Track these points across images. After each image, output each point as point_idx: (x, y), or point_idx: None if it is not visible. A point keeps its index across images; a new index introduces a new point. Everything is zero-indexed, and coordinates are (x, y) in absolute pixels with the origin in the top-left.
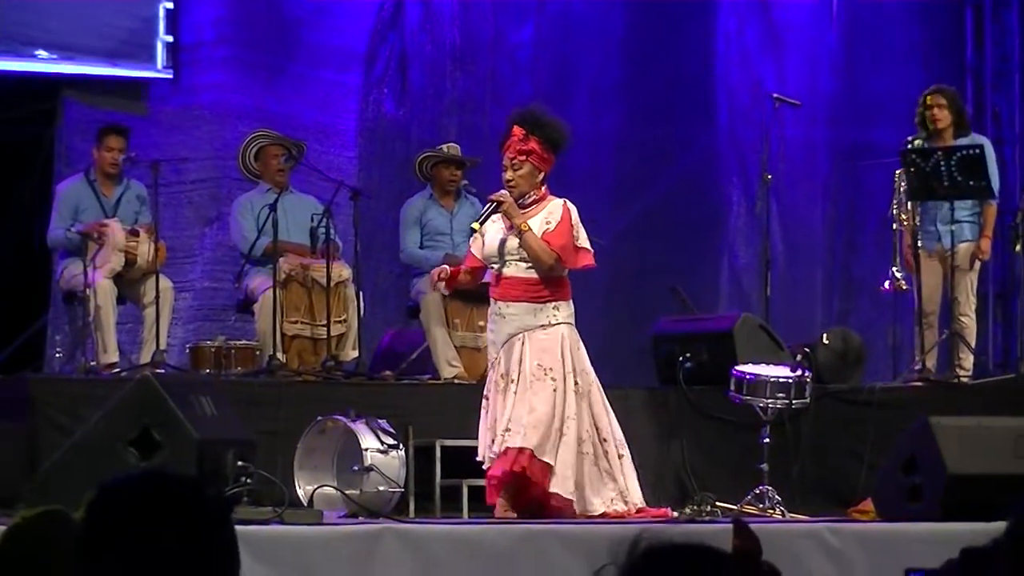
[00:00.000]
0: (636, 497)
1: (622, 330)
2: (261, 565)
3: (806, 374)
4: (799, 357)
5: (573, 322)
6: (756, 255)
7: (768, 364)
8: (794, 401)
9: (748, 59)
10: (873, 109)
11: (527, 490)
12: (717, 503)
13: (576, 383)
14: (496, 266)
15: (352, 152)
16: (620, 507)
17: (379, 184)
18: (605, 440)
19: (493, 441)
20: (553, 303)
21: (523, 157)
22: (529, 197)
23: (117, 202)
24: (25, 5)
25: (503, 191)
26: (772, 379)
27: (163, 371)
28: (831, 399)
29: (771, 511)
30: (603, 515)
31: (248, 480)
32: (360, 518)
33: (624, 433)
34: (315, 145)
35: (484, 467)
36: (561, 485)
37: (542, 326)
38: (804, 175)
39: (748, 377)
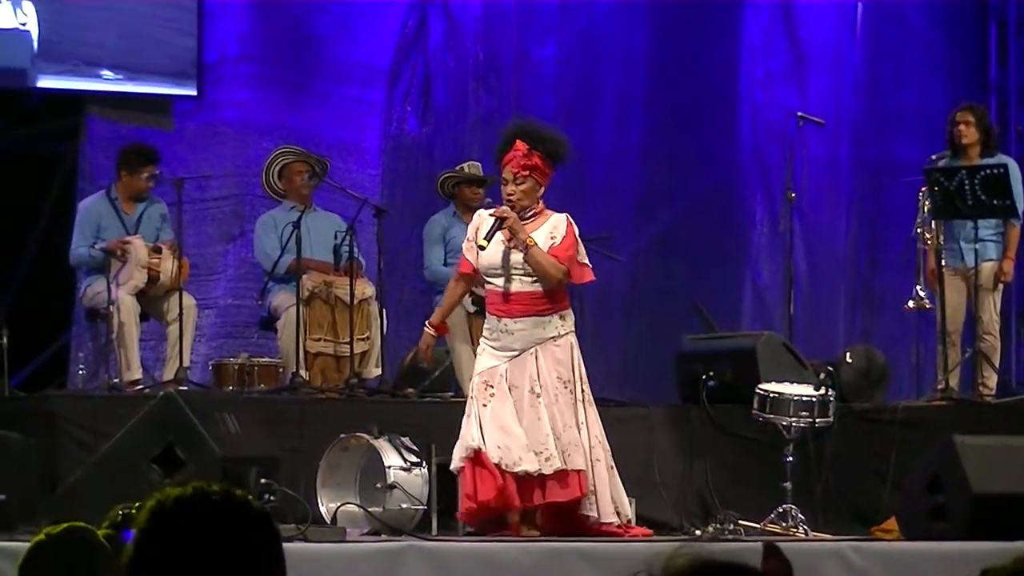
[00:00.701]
0: (627, 510)
1: (644, 347)
2: None
3: (829, 393)
4: (822, 376)
5: (575, 330)
6: (779, 273)
7: (791, 383)
8: (817, 420)
9: (772, 76)
10: (897, 127)
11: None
12: (740, 521)
13: (583, 391)
14: (497, 282)
15: (375, 169)
16: (614, 519)
17: (402, 201)
18: (606, 451)
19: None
20: (558, 314)
21: (526, 172)
22: (529, 211)
23: (139, 220)
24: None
25: (505, 207)
26: (795, 397)
27: (186, 388)
28: (854, 418)
29: (794, 530)
30: (601, 527)
31: (271, 497)
32: (383, 535)
33: (646, 450)
34: (338, 162)
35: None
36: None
37: (552, 338)
38: (828, 193)
39: (771, 395)
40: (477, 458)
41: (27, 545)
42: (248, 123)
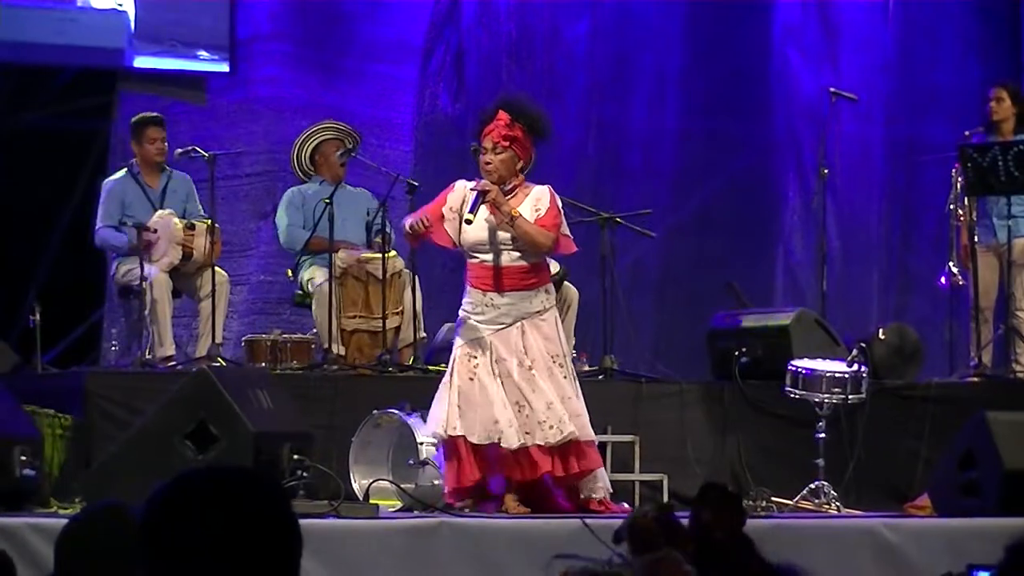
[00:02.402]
0: (608, 485)
1: (677, 324)
2: (316, 559)
3: (862, 369)
4: (855, 352)
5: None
6: (812, 250)
7: (824, 359)
8: (850, 396)
9: (805, 54)
10: (929, 105)
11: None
12: (772, 498)
13: (569, 366)
14: (484, 256)
15: (408, 146)
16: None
17: (434, 178)
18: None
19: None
20: (543, 288)
21: (506, 143)
22: (509, 183)
23: (163, 192)
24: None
25: (486, 181)
26: (828, 374)
27: (219, 364)
28: (887, 394)
29: (827, 506)
30: (586, 502)
31: (304, 474)
32: (416, 512)
33: (679, 427)
34: (370, 139)
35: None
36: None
37: (538, 312)
38: (861, 171)
39: (804, 372)
40: (452, 444)
41: (62, 522)
42: (281, 100)
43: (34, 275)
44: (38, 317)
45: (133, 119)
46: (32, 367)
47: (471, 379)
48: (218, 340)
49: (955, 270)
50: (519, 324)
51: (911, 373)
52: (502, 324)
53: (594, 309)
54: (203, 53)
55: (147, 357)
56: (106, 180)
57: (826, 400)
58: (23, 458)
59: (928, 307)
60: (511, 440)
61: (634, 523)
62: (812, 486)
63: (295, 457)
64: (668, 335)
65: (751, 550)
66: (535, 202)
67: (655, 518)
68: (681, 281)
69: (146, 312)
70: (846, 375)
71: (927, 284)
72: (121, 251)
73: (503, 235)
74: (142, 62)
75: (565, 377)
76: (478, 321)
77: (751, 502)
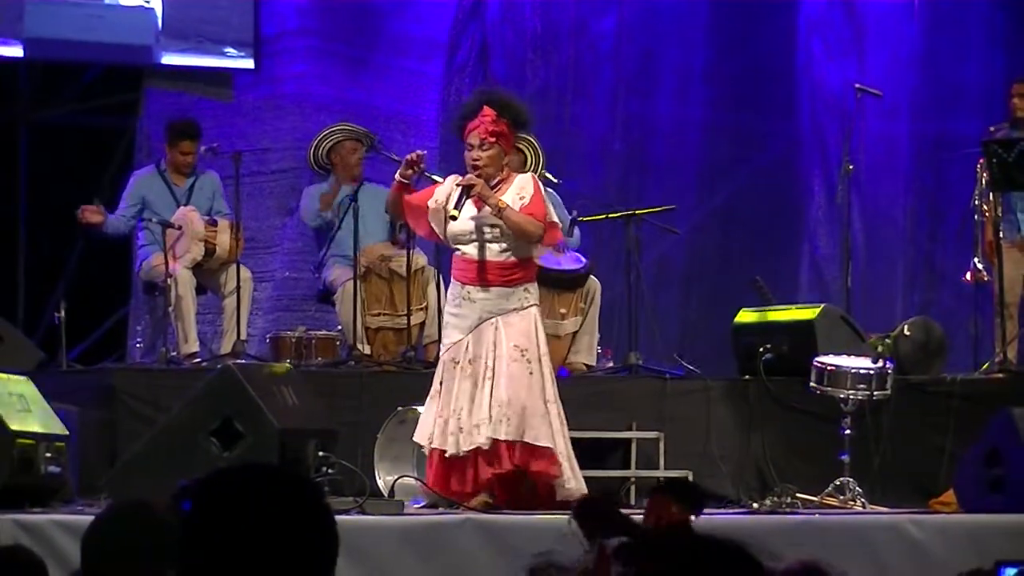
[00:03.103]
0: (583, 487)
1: (701, 320)
2: (342, 555)
3: (887, 365)
4: (880, 348)
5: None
6: (837, 246)
7: (849, 355)
8: (875, 392)
9: (830, 49)
10: (955, 100)
11: (519, 479)
12: (798, 495)
13: (544, 365)
14: (468, 249)
15: (433, 142)
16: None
17: (460, 173)
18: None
19: (450, 427)
20: (524, 285)
21: (493, 139)
22: (495, 178)
23: (190, 191)
24: None
25: (471, 175)
26: (853, 370)
27: (244, 361)
28: (912, 390)
29: (852, 503)
30: (563, 501)
31: (329, 470)
32: (441, 508)
33: (704, 424)
34: (395, 135)
35: (425, 450)
36: (574, 480)
37: (515, 309)
38: (886, 166)
39: (829, 368)
40: (432, 454)
41: (88, 519)
42: (307, 96)
43: (60, 272)
44: (63, 314)
45: (170, 123)
46: (57, 364)
47: (451, 386)
48: (243, 337)
49: (980, 265)
50: (493, 321)
51: (936, 368)
52: (475, 321)
53: (619, 305)
54: (229, 50)
55: (172, 354)
56: (135, 172)
57: (851, 396)
58: (48, 455)
59: (953, 302)
60: (479, 440)
61: (577, 518)
62: (837, 482)
63: (320, 454)
64: (692, 331)
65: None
66: (519, 190)
67: (584, 511)
68: (706, 277)
69: (171, 308)
70: (871, 371)
71: (952, 279)
72: (116, 235)
73: (486, 228)
74: (169, 59)
75: (531, 374)
76: (456, 324)
77: (776, 498)
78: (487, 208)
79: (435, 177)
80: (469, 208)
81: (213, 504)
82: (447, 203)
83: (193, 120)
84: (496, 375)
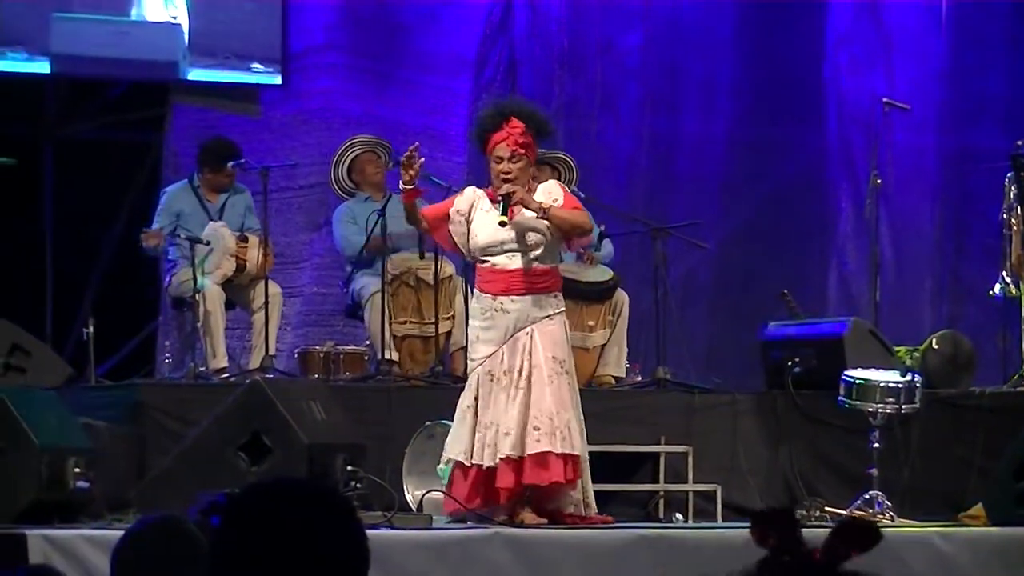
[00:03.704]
0: (592, 498)
1: (729, 334)
2: (371, 569)
3: (916, 379)
4: (908, 361)
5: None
6: (865, 260)
7: (878, 369)
8: (904, 406)
9: (857, 63)
10: (981, 114)
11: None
12: (826, 508)
13: (573, 374)
14: (497, 259)
15: (461, 158)
16: (582, 510)
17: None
18: None
19: (488, 439)
20: (554, 292)
21: (522, 151)
22: (524, 188)
23: (222, 208)
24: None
25: (507, 184)
26: (882, 384)
27: (272, 376)
28: (941, 404)
29: (880, 516)
30: (569, 516)
31: (358, 485)
32: (469, 523)
33: (732, 437)
34: (423, 150)
35: (468, 465)
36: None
37: (547, 317)
38: (913, 180)
39: (858, 382)
40: (465, 468)
41: (117, 534)
42: (334, 112)
43: (88, 288)
44: (92, 329)
45: (208, 145)
46: (86, 380)
47: (489, 400)
48: (271, 352)
49: (1008, 279)
50: (528, 330)
51: (964, 382)
52: (508, 332)
53: (647, 320)
54: (256, 66)
55: (200, 369)
56: (167, 188)
57: (880, 410)
58: (77, 470)
59: (981, 316)
60: (528, 449)
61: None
62: (866, 496)
63: (349, 468)
64: (720, 345)
65: None
66: (547, 196)
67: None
68: (733, 291)
69: (199, 324)
70: (900, 384)
71: (979, 293)
72: (161, 254)
73: (515, 236)
74: (196, 75)
75: (570, 385)
76: (488, 338)
77: (804, 512)
78: (518, 217)
79: (437, 180)
80: (492, 218)
81: (245, 519)
82: (470, 214)
83: (232, 142)
84: (534, 385)
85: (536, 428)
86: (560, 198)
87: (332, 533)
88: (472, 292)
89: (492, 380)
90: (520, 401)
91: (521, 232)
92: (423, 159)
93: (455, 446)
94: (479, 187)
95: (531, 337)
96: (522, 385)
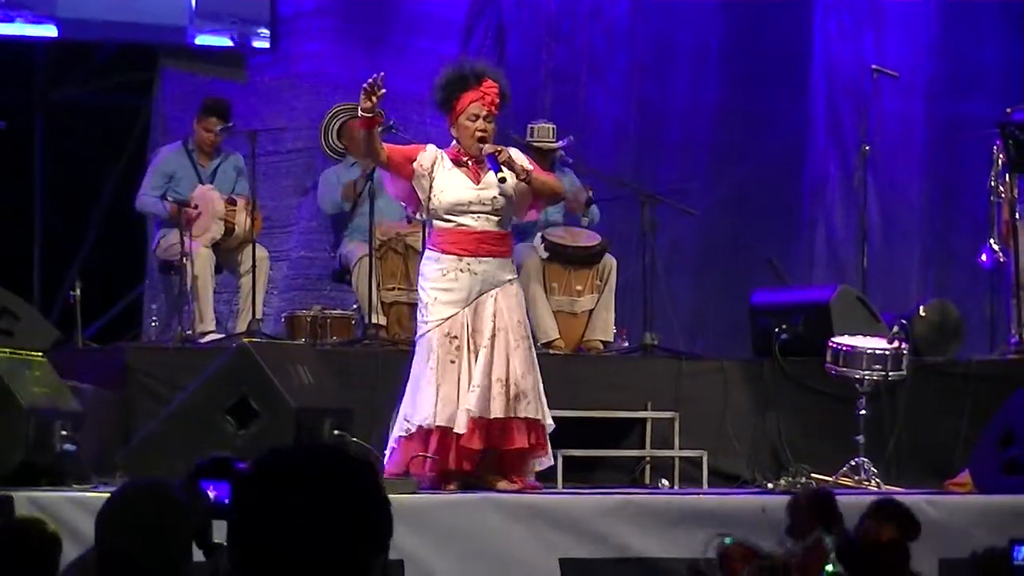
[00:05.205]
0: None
1: (716, 301)
2: None
3: (903, 346)
4: (896, 329)
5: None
6: (853, 227)
7: (865, 336)
8: (891, 373)
9: (846, 31)
10: (972, 81)
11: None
12: (812, 475)
13: (530, 339)
14: (463, 219)
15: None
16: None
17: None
18: None
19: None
20: (510, 256)
21: (496, 111)
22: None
23: (214, 172)
24: None
25: (489, 144)
26: (869, 351)
27: (259, 340)
28: (928, 371)
29: (867, 483)
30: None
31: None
32: (456, 488)
33: (719, 404)
34: (412, 115)
35: (429, 427)
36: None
37: (510, 281)
38: (902, 147)
39: (845, 349)
40: (439, 434)
41: (103, 497)
42: (323, 76)
43: (75, 250)
44: (79, 292)
45: (205, 98)
46: (73, 343)
47: (452, 361)
48: (258, 316)
49: (996, 247)
50: (492, 292)
51: (952, 350)
52: (473, 294)
53: (634, 286)
54: (262, 30)
55: (188, 332)
56: (160, 149)
57: (867, 377)
58: (63, 433)
59: (969, 284)
60: (494, 411)
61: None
62: (852, 463)
63: (336, 432)
64: (707, 312)
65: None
66: (520, 160)
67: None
68: (720, 258)
69: (187, 287)
70: (887, 352)
71: (968, 261)
72: (160, 218)
73: (484, 197)
74: (203, 40)
75: (529, 349)
76: (449, 299)
77: (791, 478)
78: (488, 179)
79: (401, 133)
80: (464, 179)
81: (268, 485)
82: (432, 170)
83: (225, 99)
84: (501, 349)
85: (502, 392)
86: (528, 165)
87: (356, 499)
88: (425, 252)
89: (451, 342)
90: (485, 362)
91: (498, 194)
92: (384, 91)
93: (417, 411)
94: (438, 147)
95: (496, 300)
96: (487, 346)
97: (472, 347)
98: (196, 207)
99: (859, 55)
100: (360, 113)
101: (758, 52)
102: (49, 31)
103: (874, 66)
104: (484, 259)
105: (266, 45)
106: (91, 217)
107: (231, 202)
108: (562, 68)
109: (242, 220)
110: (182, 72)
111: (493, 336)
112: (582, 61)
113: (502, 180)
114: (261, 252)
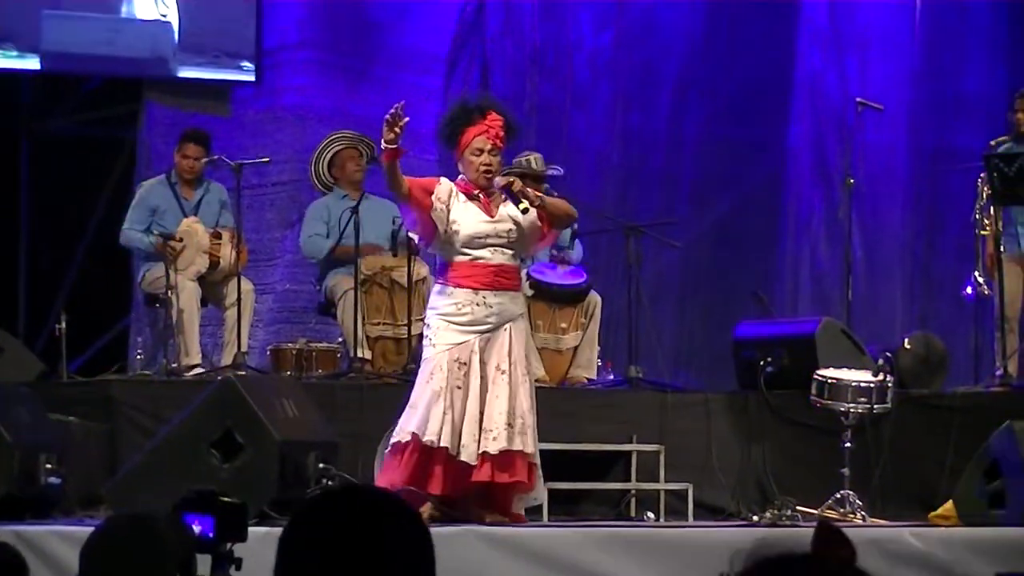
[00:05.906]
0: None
1: (700, 334)
2: None
3: (888, 379)
4: (881, 362)
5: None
6: (837, 259)
7: (850, 369)
8: (876, 406)
9: (830, 63)
10: (956, 114)
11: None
12: (798, 507)
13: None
14: (480, 253)
15: (433, 155)
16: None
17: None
18: None
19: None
20: (521, 291)
21: (501, 145)
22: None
23: (198, 204)
24: None
25: (502, 177)
26: (854, 383)
27: (244, 373)
28: (913, 404)
29: (852, 516)
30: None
31: (329, 482)
32: (441, 520)
33: (704, 436)
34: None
35: (432, 444)
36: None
37: (521, 315)
38: (886, 180)
39: (829, 381)
40: (432, 450)
41: (87, 530)
42: (307, 109)
43: (60, 283)
44: (64, 325)
45: (183, 129)
46: (58, 375)
47: (458, 387)
48: (243, 349)
49: (980, 279)
50: (506, 327)
51: (937, 382)
52: (488, 326)
53: (619, 319)
54: (245, 64)
55: (173, 365)
56: (142, 182)
57: (852, 409)
58: (48, 466)
59: (953, 316)
60: (499, 445)
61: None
62: (838, 495)
63: (320, 465)
64: (690, 344)
65: None
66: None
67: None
68: (704, 290)
69: (173, 320)
70: (872, 384)
71: (952, 293)
72: (144, 253)
73: (500, 230)
74: (187, 72)
75: (532, 384)
76: (463, 323)
77: (776, 511)
78: (502, 212)
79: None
80: (479, 212)
81: (315, 526)
82: (449, 203)
83: (204, 130)
84: (511, 383)
85: (510, 425)
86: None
87: (401, 540)
88: (436, 286)
89: (460, 368)
90: (496, 397)
91: (513, 226)
92: (408, 119)
93: (432, 426)
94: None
95: (509, 334)
96: (496, 381)
97: (480, 376)
98: (181, 240)
99: (843, 86)
100: (384, 145)
101: (742, 84)
102: (33, 64)
103: (859, 99)
104: (499, 292)
105: (251, 78)
106: (76, 249)
107: (216, 236)
108: (546, 100)
109: (227, 253)
110: (166, 106)
111: (506, 370)
112: (566, 93)
113: (524, 211)
114: (246, 285)
